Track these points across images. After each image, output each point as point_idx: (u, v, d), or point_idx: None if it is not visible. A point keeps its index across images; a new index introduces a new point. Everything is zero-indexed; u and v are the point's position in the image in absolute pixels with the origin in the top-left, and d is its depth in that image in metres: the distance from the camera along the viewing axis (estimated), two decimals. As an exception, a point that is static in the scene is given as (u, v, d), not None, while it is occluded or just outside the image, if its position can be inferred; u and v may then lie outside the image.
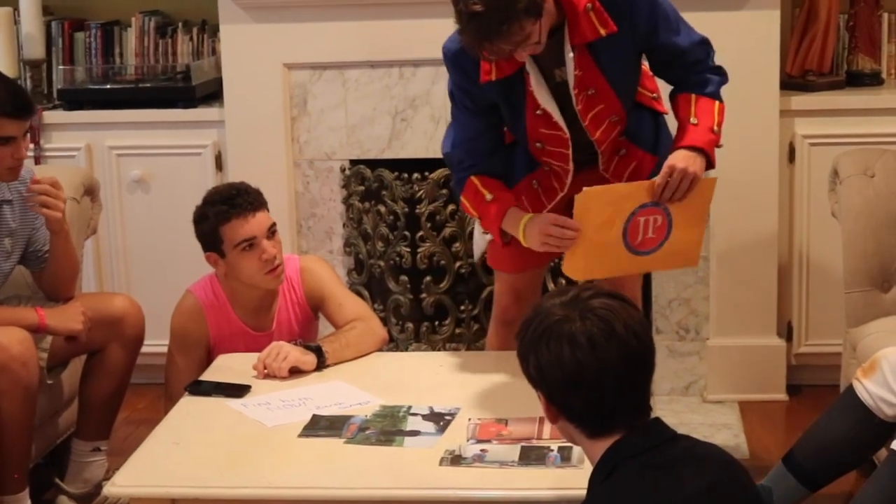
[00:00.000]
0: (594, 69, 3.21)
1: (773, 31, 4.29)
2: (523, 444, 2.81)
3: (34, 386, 3.42)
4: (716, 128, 3.30)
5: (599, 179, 3.37)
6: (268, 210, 3.58)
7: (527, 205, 3.43)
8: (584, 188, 3.23)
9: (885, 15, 4.59)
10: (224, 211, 3.51)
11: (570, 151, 3.32)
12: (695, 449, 2.31)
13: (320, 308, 3.72)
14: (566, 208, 3.41)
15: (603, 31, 3.14)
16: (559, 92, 3.26)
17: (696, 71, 3.30)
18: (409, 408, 3.08)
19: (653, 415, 2.33)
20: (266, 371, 3.32)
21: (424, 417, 3.02)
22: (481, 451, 2.79)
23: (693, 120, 3.28)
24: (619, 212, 3.22)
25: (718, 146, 3.32)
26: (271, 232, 3.55)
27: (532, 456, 2.75)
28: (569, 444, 2.65)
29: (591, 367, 2.22)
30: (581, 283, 2.44)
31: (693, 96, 3.31)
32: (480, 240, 3.72)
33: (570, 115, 3.27)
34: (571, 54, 3.17)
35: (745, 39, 4.21)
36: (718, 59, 3.30)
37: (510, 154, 3.44)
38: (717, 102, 3.32)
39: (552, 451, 2.75)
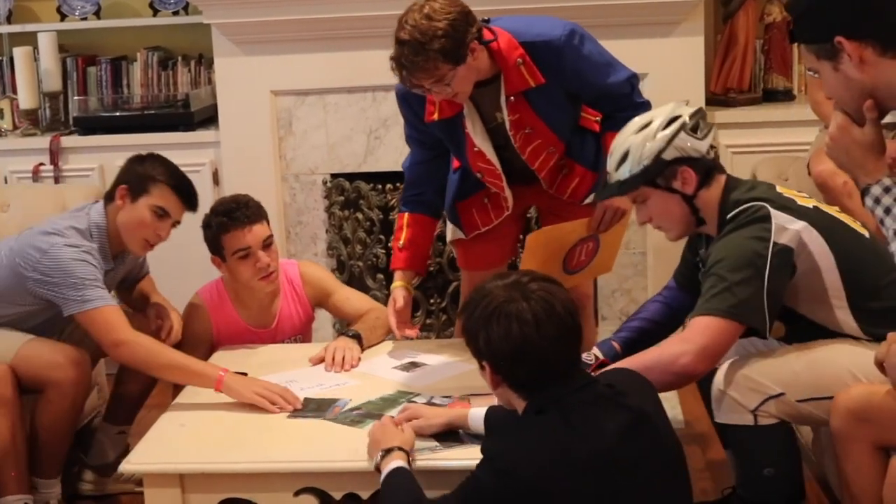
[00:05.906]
0: (530, 112, 3.19)
1: (698, 55, 4.30)
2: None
3: (80, 404, 3.42)
4: None
5: (545, 194, 3.41)
6: (267, 222, 3.52)
7: (477, 218, 3.47)
8: (533, 232, 3.31)
9: (795, 39, 4.61)
10: (224, 222, 3.47)
11: (504, 183, 3.33)
12: (609, 395, 2.29)
13: (325, 304, 3.70)
14: (516, 221, 3.49)
15: (532, 83, 3.13)
16: (500, 131, 3.24)
17: (622, 106, 3.24)
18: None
19: None
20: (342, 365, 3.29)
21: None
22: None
23: None
24: (563, 246, 3.31)
25: None
26: (266, 243, 3.49)
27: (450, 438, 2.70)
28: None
29: (535, 341, 2.23)
30: (519, 270, 2.45)
31: None
32: (450, 233, 3.69)
33: (511, 149, 3.26)
34: (506, 102, 3.16)
35: (673, 62, 4.22)
36: (652, 81, 3.30)
37: (465, 172, 3.43)
38: None
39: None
